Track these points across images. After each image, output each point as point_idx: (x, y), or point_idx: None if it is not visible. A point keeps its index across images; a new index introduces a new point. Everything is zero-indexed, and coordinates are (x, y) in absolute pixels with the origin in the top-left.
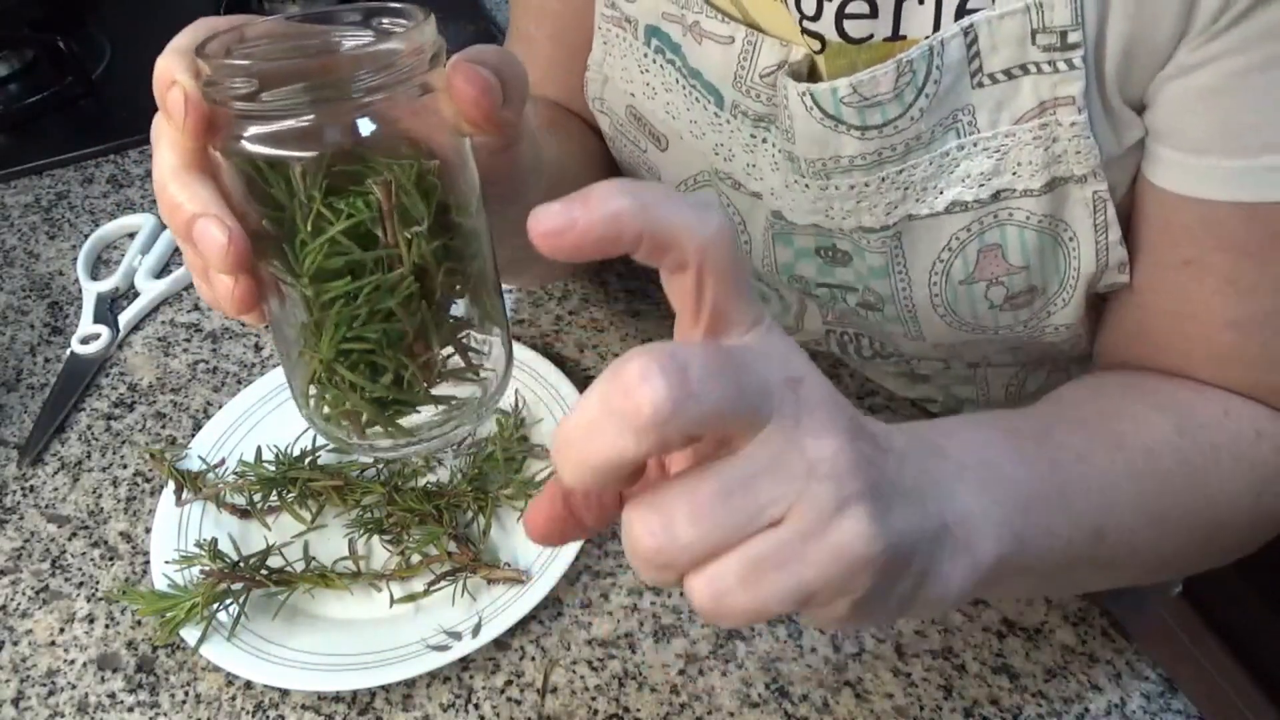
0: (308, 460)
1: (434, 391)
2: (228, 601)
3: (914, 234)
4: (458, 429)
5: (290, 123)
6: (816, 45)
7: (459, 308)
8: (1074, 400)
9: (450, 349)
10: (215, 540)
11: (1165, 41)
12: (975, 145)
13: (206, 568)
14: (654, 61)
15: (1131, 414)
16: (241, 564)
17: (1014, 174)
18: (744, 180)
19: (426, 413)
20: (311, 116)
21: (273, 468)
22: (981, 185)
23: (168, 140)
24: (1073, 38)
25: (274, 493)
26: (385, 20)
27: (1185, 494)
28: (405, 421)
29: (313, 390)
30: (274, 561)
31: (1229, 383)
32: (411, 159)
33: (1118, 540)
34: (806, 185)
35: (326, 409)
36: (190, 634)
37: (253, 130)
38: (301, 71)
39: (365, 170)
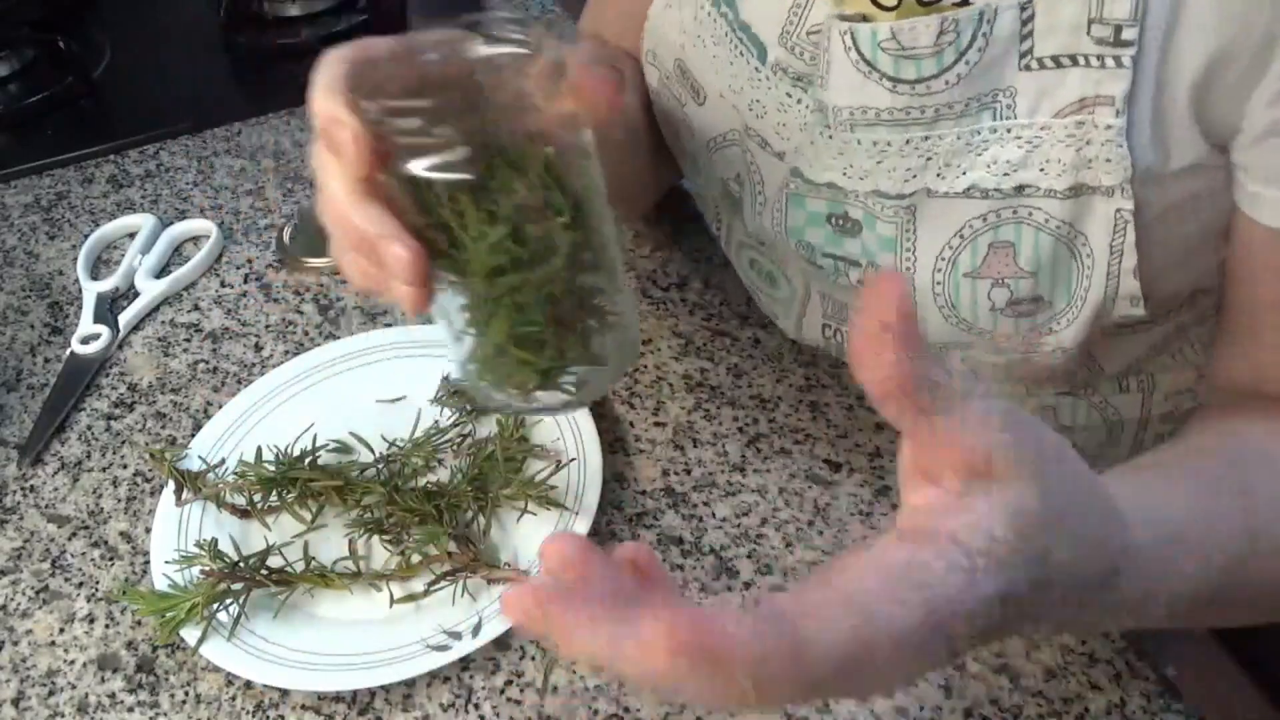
0: (308, 460)
1: (589, 350)
2: (228, 601)
3: (928, 211)
4: (610, 379)
5: (448, 155)
6: (893, 1)
7: (598, 277)
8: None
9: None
10: (215, 540)
11: (1255, 63)
12: (1009, 131)
13: (206, 568)
14: (709, 14)
15: None
16: (241, 564)
17: (1041, 170)
18: (771, 139)
19: (583, 370)
20: (468, 149)
21: (273, 468)
22: (1005, 175)
23: (336, 173)
24: (1127, 34)
25: (274, 493)
26: (508, 30)
27: None
28: (565, 380)
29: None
30: (274, 561)
31: None
32: (553, 159)
33: (1184, 620)
34: (831, 136)
35: (491, 378)
36: (190, 634)
37: (414, 161)
38: (451, 103)
39: (515, 175)
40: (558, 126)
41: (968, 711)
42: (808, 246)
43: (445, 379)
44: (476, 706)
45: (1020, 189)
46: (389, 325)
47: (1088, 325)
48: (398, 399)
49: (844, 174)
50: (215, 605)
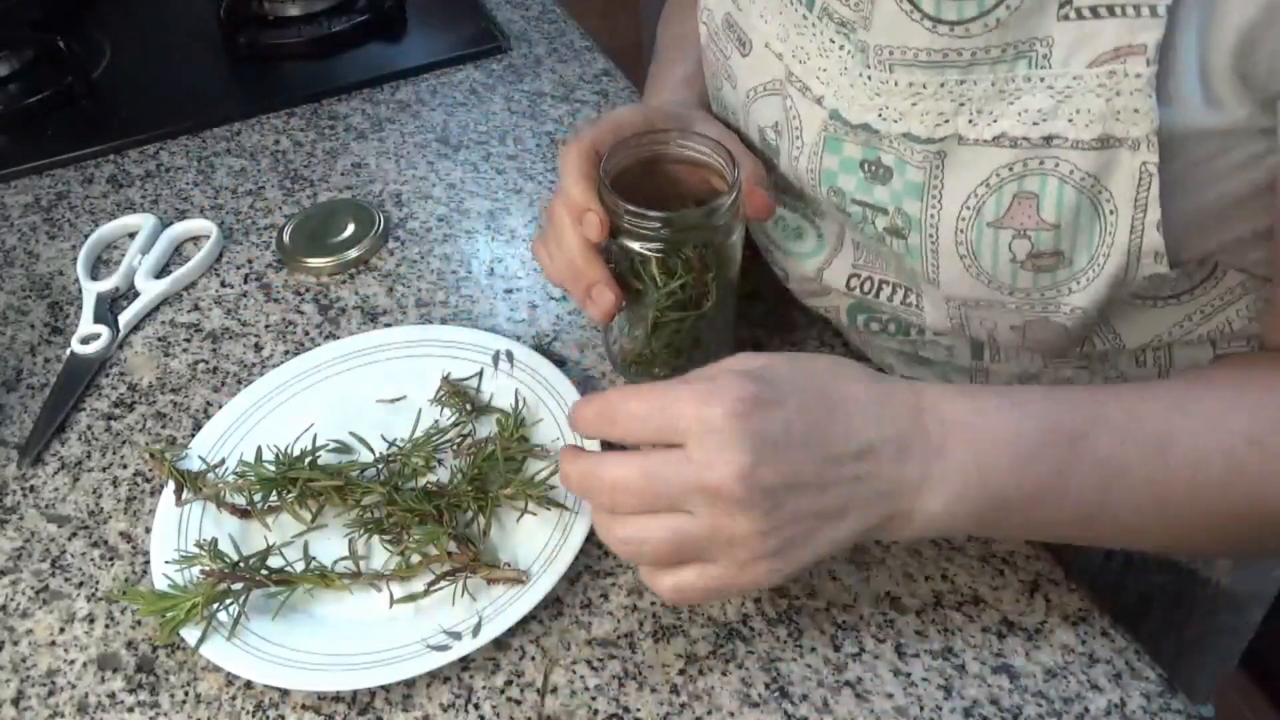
0: (308, 460)
1: (707, 356)
2: (228, 601)
3: (957, 159)
4: None
5: (653, 242)
6: None
7: (723, 312)
8: (1169, 386)
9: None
10: (215, 540)
11: None
12: (1042, 80)
13: (206, 568)
14: None
15: (1211, 410)
16: (241, 564)
17: (1070, 120)
18: (812, 84)
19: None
20: (663, 242)
21: (273, 468)
22: (1035, 124)
23: (577, 235)
24: None
25: (274, 493)
26: (703, 149)
27: (1225, 502)
28: (676, 366)
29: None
30: (274, 561)
31: None
32: (716, 246)
33: (1110, 531)
34: (869, 78)
35: (635, 369)
36: (190, 634)
37: (629, 240)
38: (662, 199)
39: (691, 252)
40: (731, 222)
41: (967, 711)
42: (839, 193)
43: (445, 379)
44: (476, 706)
45: (1048, 139)
46: (389, 325)
47: (1109, 285)
48: (398, 399)
49: (879, 115)
50: (215, 605)
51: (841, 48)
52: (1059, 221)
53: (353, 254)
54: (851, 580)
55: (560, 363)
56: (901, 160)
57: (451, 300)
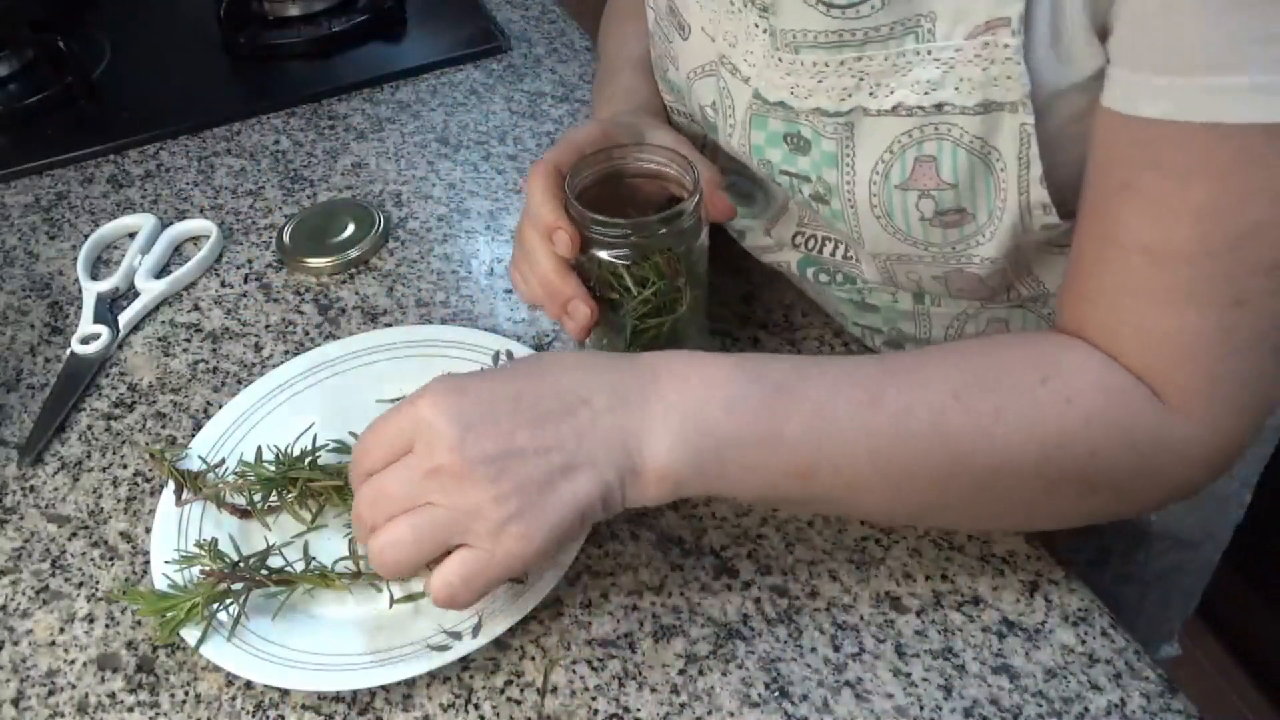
0: (308, 460)
1: None
2: (228, 601)
3: (864, 129)
4: None
5: (624, 250)
6: None
7: (695, 315)
8: (888, 355)
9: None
10: (215, 540)
11: None
12: (929, 53)
13: (206, 568)
14: None
15: (920, 373)
16: (241, 564)
17: (956, 89)
18: (740, 65)
19: None
20: (629, 249)
21: (273, 468)
22: (926, 94)
23: (549, 253)
24: None
25: (274, 493)
26: (653, 153)
27: (938, 457)
28: None
29: None
30: (274, 561)
31: (1133, 335)
32: (682, 253)
33: (832, 483)
34: (780, 59)
35: None
36: (190, 634)
37: (600, 250)
38: (625, 212)
39: (659, 258)
40: (696, 226)
41: (967, 711)
42: (767, 164)
43: None
44: (476, 706)
45: (940, 106)
46: (389, 325)
47: (1010, 235)
48: (398, 399)
49: (792, 93)
50: (215, 605)
51: (765, 31)
52: (956, 181)
53: (353, 254)
54: (851, 580)
55: None
56: (817, 133)
57: (451, 300)
